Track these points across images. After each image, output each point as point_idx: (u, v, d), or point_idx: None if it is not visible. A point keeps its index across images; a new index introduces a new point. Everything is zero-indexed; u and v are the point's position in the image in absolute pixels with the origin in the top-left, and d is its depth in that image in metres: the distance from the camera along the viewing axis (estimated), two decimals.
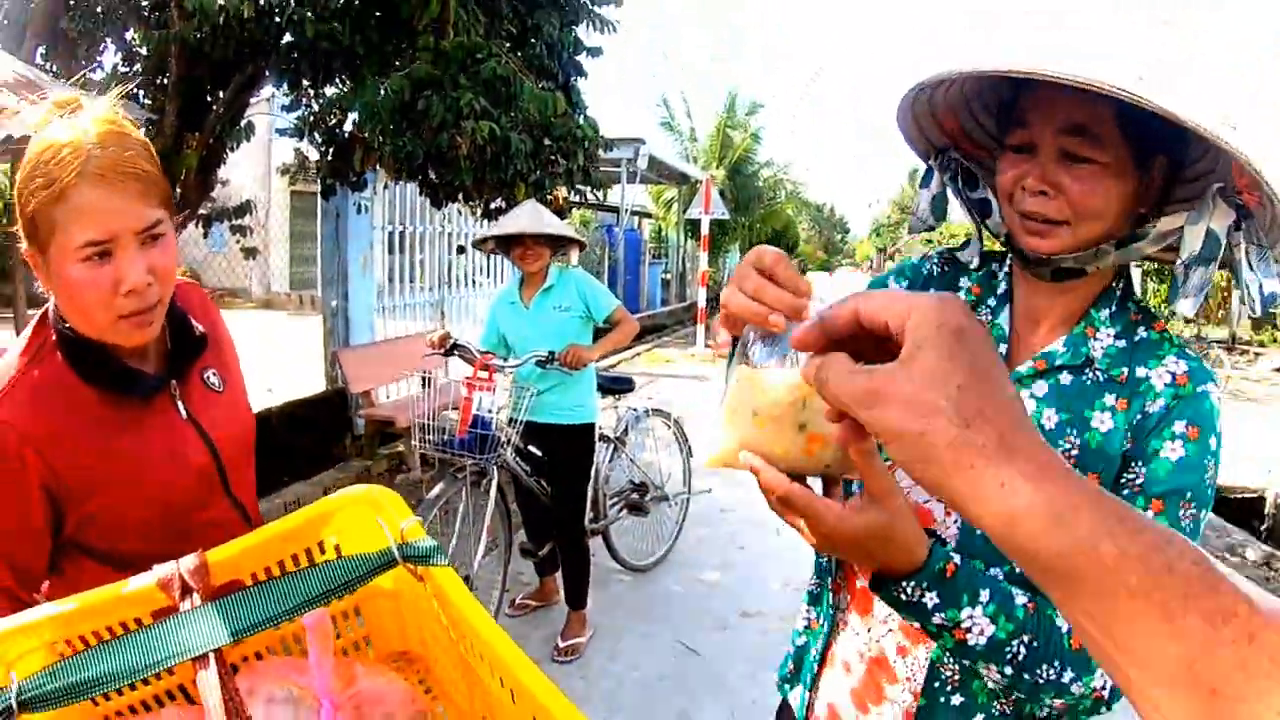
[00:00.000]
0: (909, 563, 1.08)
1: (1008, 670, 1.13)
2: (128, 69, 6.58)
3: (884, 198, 59.59)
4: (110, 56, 6.99)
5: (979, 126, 1.44)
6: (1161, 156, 1.22)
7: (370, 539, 1.28)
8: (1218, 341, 18.55)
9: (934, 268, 1.53)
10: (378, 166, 5.77)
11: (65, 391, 1.40)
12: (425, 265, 9.22)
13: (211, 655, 1.04)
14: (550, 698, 0.99)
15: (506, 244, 4.26)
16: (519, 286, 4.40)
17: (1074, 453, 1.25)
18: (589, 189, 6.67)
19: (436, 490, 4.00)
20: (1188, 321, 16.62)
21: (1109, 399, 1.25)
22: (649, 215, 26.20)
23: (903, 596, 1.11)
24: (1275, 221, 1.16)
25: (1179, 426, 1.20)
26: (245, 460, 1.68)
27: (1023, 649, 1.12)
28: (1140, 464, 1.21)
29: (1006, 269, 1.42)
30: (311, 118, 6.12)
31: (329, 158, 6.15)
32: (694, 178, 21.45)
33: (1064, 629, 1.13)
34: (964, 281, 1.47)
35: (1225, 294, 19.68)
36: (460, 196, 5.96)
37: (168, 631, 1.07)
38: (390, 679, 1.23)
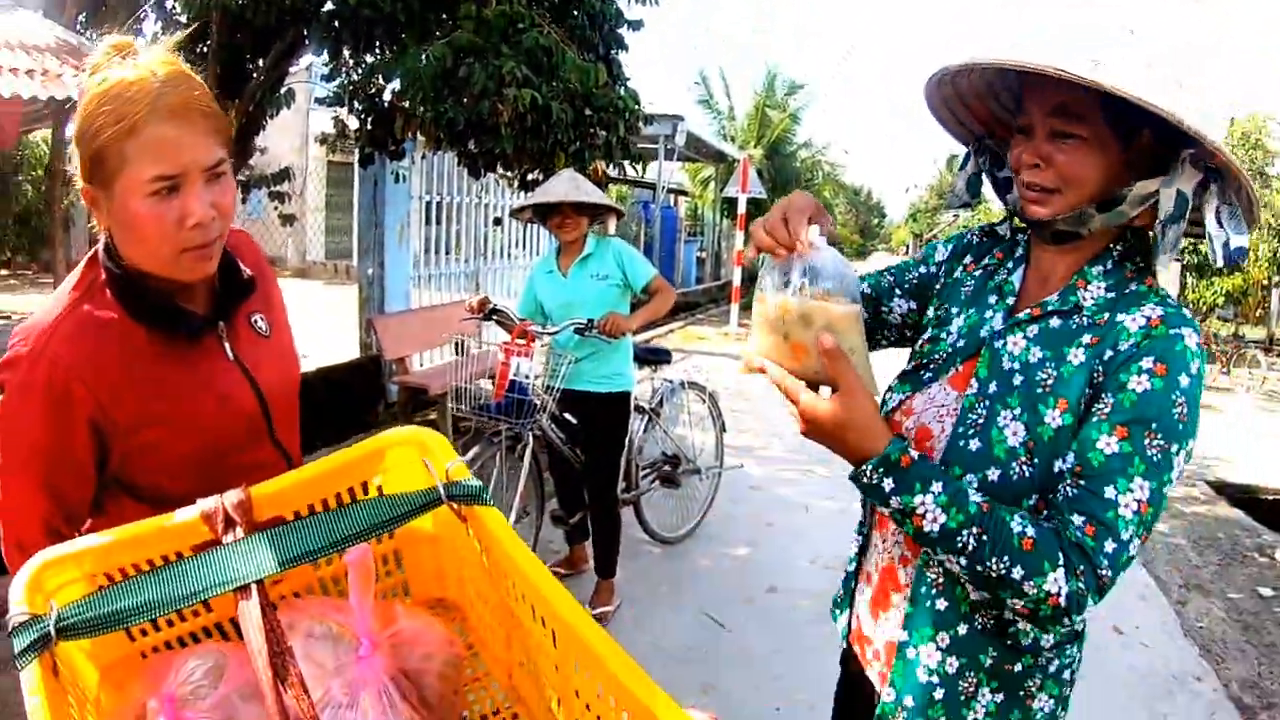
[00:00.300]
0: (873, 451, 1.33)
1: (962, 561, 1.31)
2: (168, 36, 6.59)
3: (921, 183, 59.38)
4: (150, 25, 7.04)
5: (1010, 115, 1.58)
6: (1147, 131, 1.35)
7: (413, 482, 1.29)
8: (1255, 342, 18.29)
9: (974, 238, 1.75)
10: (417, 135, 5.76)
11: (113, 328, 1.41)
12: (461, 236, 9.24)
13: (254, 586, 1.04)
14: (595, 635, 0.99)
15: (544, 213, 4.24)
16: (556, 256, 4.38)
17: (1050, 382, 1.40)
18: (628, 162, 6.63)
19: (471, 454, 4.01)
20: (1225, 321, 16.48)
21: (1086, 338, 1.40)
22: (685, 193, 26.07)
23: (863, 480, 1.35)
24: (1246, 194, 1.34)
25: (1146, 363, 1.32)
26: (290, 406, 1.69)
27: (972, 540, 1.29)
28: (1109, 395, 1.33)
29: (1026, 237, 1.60)
30: (352, 85, 6.13)
31: (369, 126, 6.16)
32: (731, 156, 21.30)
33: (1015, 530, 1.29)
34: (995, 249, 1.67)
35: (1265, 294, 19.38)
36: (500, 165, 5.94)
37: (210, 562, 1.08)
38: (429, 621, 1.24)
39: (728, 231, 24.46)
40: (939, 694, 1.51)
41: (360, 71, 6.13)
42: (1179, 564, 5.70)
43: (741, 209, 16.17)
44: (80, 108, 1.33)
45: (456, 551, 1.40)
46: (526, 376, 4.01)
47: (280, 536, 1.09)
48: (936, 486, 1.32)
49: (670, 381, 5.24)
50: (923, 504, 1.31)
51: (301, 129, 18.56)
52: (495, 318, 4.25)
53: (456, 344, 7.67)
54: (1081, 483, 1.32)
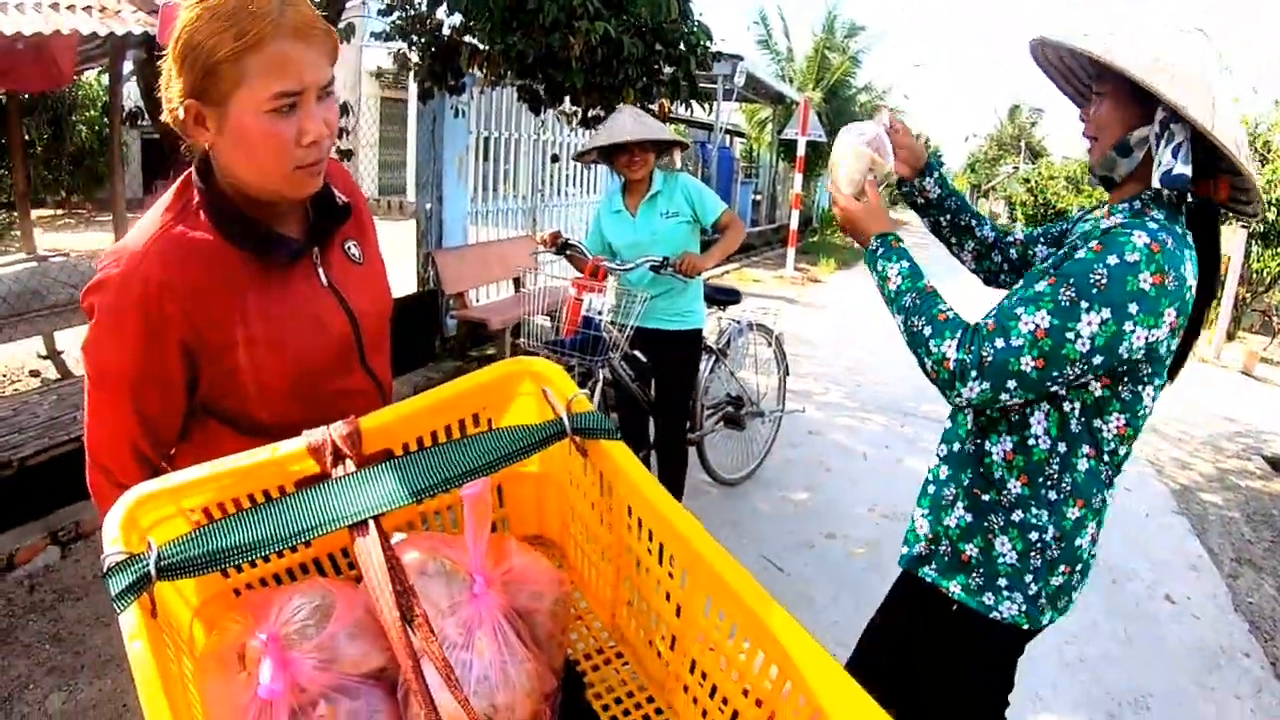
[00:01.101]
0: (878, 233, 1.93)
1: (901, 316, 1.82)
2: None
3: (981, 132, 58.28)
4: None
5: None
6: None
7: (524, 415, 1.24)
8: None
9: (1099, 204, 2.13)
10: (475, 70, 5.66)
11: (208, 249, 1.39)
12: (518, 173, 9.17)
13: (372, 522, 1.00)
14: (736, 575, 0.95)
15: (608, 153, 4.09)
16: (622, 194, 4.23)
17: (1046, 263, 1.83)
18: (694, 100, 6.50)
19: None
20: None
21: (1076, 239, 1.80)
22: (741, 134, 25.74)
23: (869, 248, 1.93)
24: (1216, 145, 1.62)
25: (1092, 244, 1.66)
26: (381, 333, 1.66)
27: (910, 301, 1.80)
28: (1061, 261, 1.73)
29: None
30: (412, 19, 6.02)
31: (429, 60, 6.06)
32: (790, 98, 20.94)
33: (940, 306, 1.77)
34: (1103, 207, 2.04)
35: None
36: (567, 100, 5.83)
37: (322, 497, 1.04)
38: (537, 558, 1.20)
39: (784, 174, 24.12)
40: (937, 498, 2.00)
41: (421, 5, 6.02)
42: (1232, 538, 5.57)
43: (801, 151, 15.87)
44: (185, 24, 1.28)
45: (561, 487, 1.37)
46: (599, 313, 3.92)
47: (399, 469, 1.05)
48: (905, 263, 1.87)
49: (737, 322, 5.12)
50: (894, 270, 1.86)
51: (355, 65, 18.47)
52: (568, 252, 4.16)
53: (516, 279, 7.64)
54: (1007, 300, 1.71)
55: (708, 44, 5.76)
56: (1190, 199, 1.79)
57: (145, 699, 0.84)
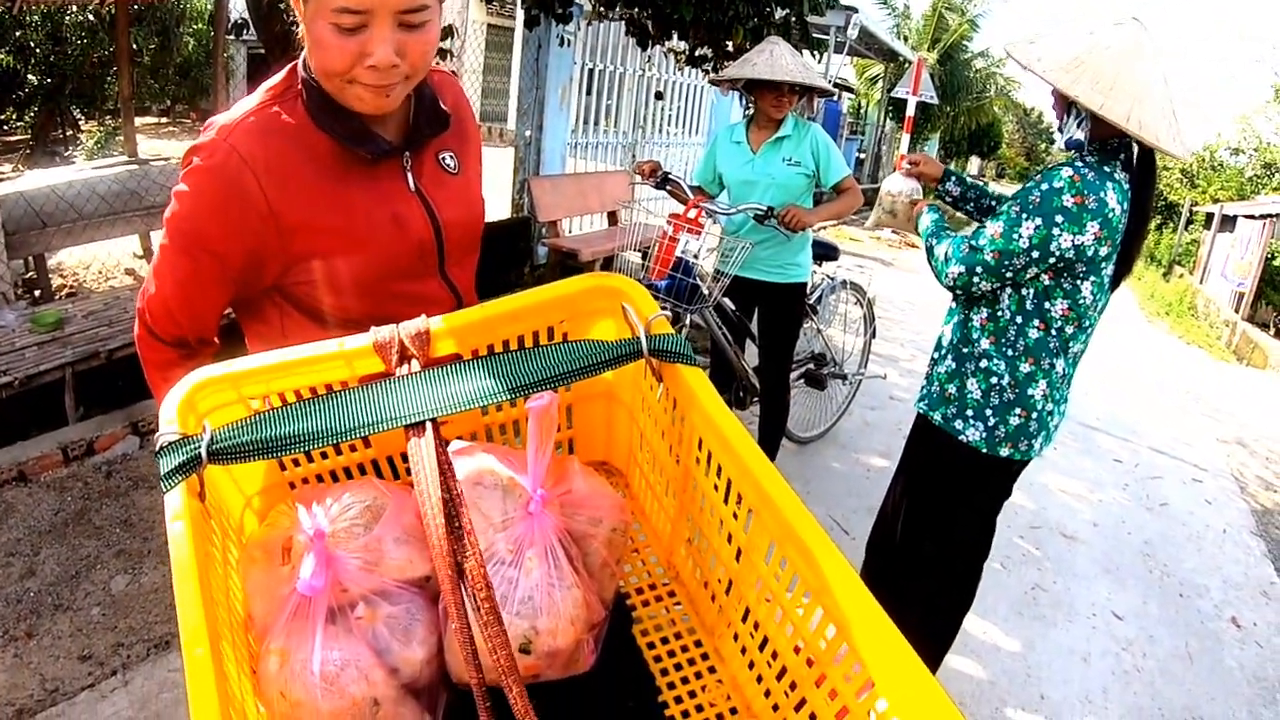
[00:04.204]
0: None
1: (925, 241, 2.68)
2: None
3: None
4: None
5: None
6: None
7: (602, 334, 1.19)
8: None
9: None
10: None
11: (298, 133, 1.39)
12: (620, 108, 9.07)
13: (429, 424, 0.95)
14: (801, 519, 0.88)
15: (752, 86, 3.88)
16: (746, 128, 4.01)
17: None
18: (804, 48, 6.31)
19: None
20: None
21: None
22: (850, 90, 25.17)
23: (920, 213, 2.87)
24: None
25: (1035, 177, 2.43)
26: (466, 245, 1.63)
27: (934, 229, 2.68)
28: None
29: None
30: None
31: None
32: (903, 56, 20.41)
33: (944, 234, 2.62)
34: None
35: None
36: (675, 35, 5.69)
37: (382, 394, 0.99)
38: (601, 484, 1.15)
39: (890, 134, 23.58)
40: (934, 355, 2.76)
41: None
42: None
43: (910, 111, 15.40)
44: None
45: (632, 413, 1.31)
46: (695, 256, 3.70)
47: (463, 373, 1.00)
48: (936, 215, 2.76)
49: (831, 279, 4.96)
50: (927, 218, 2.75)
51: None
52: (668, 187, 3.99)
53: (611, 213, 7.57)
54: (981, 222, 2.59)
55: None
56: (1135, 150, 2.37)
57: (177, 579, 0.81)
